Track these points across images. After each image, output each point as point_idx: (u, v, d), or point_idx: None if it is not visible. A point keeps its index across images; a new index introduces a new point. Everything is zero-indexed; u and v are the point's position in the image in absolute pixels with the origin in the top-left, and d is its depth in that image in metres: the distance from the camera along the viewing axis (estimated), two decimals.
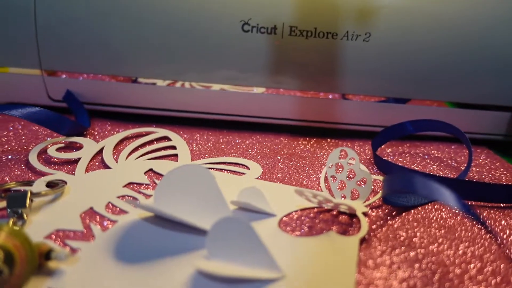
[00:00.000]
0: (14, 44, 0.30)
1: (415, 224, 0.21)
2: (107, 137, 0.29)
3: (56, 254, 0.16)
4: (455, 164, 0.28)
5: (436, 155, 0.30)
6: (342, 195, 0.22)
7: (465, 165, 0.28)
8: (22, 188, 0.22)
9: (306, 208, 0.21)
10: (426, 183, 0.16)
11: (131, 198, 0.22)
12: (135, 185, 0.23)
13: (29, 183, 0.22)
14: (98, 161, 0.26)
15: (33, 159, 0.25)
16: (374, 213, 0.21)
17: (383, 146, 0.30)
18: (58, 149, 0.26)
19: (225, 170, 0.25)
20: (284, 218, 0.20)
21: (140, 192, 0.22)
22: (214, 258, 0.17)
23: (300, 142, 0.30)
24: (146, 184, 0.23)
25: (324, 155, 0.29)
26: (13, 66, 0.31)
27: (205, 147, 0.29)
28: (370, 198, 0.23)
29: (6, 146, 0.27)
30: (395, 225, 0.20)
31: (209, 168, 0.25)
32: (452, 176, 0.26)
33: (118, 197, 0.22)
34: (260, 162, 0.27)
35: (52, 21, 0.29)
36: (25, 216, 0.19)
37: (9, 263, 0.14)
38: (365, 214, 0.21)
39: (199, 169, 0.20)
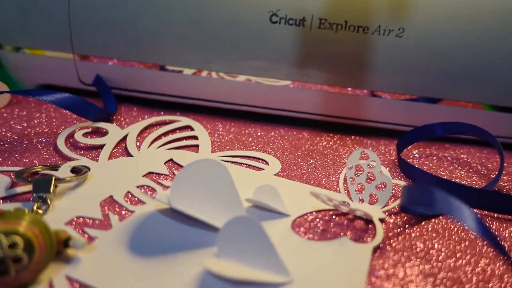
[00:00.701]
0: (49, 28, 0.31)
1: (434, 235, 0.20)
2: (132, 123, 0.29)
3: (74, 242, 0.17)
4: (485, 171, 0.27)
5: (465, 159, 0.28)
6: (360, 198, 0.22)
7: (496, 172, 0.27)
8: (48, 172, 0.23)
9: (321, 210, 0.21)
10: (447, 200, 0.15)
11: (150, 188, 0.22)
12: (155, 175, 0.24)
13: (55, 167, 0.23)
14: (121, 148, 0.26)
15: (60, 143, 0.26)
16: (391, 220, 0.21)
17: (409, 147, 0.29)
18: (84, 134, 0.27)
19: (244, 164, 0.25)
20: (298, 219, 0.20)
21: (158, 183, 0.23)
22: (223, 257, 0.17)
23: (323, 138, 0.30)
24: (165, 175, 0.24)
25: (346, 153, 0.28)
26: (48, 50, 0.32)
27: (227, 138, 0.29)
28: (390, 203, 0.22)
29: (38, 129, 0.28)
30: (413, 235, 0.20)
31: (228, 161, 0.25)
32: (480, 185, 0.25)
33: (138, 186, 0.22)
34: (280, 158, 0.27)
35: (85, 6, 0.30)
36: (48, 201, 0.20)
37: (29, 250, 0.14)
38: (382, 220, 0.21)
39: (216, 164, 0.20)
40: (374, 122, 0.31)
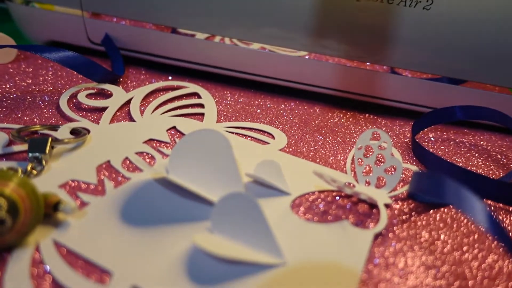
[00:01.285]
0: None
1: (441, 225, 0.19)
2: (138, 87, 0.29)
3: (64, 206, 0.16)
4: (505, 161, 0.25)
5: (484, 147, 0.27)
6: (367, 181, 0.21)
7: None
8: (47, 132, 0.22)
9: (324, 191, 0.20)
10: (458, 191, 0.14)
11: (149, 156, 0.22)
12: (156, 142, 0.23)
13: (55, 127, 0.22)
14: (124, 112, 0.26)
15: (63, 103, 0.25)
16: (397, 206, 0.20)
17: (425, 130, 0.28)
18: (88, 95, 0.26)
19: (249, 137, 0.24)
20: (299, 199, 0.19)
21: (159, 151, 0.22)
22: (216, 233, 0.16)
23: (335, 115, 0.28)
24: (166, 143, 0.23)
25: (358, 132, 0.27)
26: (57, 4, 0.31)
27: (234, 108, 0.28)
28: (398, 188, 0.21)
29: (43, 86, 0.28)
30: (418, 223, 0.19)
31: (233, 133, 0.24)
32: (497, 175, 0.24)
33: (137, 153, 0.21)
34: (288, 132, 0.25)
35: None
36: (44, 162, 0.19)
37: (13, 213, 0.14)
38: (387, 206, 0.20)
39: (217, 136, 0.20)
40: (391, 101, 0.29)
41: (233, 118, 0.26)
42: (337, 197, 0.20)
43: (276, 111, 0.28)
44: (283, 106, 0.29)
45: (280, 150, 0.24)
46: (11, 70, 0.29)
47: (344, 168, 0.22)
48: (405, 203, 0.20)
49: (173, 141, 0.23)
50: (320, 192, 0.20)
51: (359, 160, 0.22)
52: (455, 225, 0.19)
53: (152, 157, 0.21)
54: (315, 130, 0.26)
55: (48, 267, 0.14)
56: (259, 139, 0.24)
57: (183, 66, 0.31)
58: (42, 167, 0.19)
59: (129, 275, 0.14)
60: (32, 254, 0.15)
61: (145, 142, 0.23)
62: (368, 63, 0.28)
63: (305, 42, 0.29)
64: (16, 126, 0.22)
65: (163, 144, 0.23)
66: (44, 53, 0.25)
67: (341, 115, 0.29)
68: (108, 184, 0.19)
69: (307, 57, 0.30)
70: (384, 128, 0.27)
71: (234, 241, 0.16)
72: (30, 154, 0.19)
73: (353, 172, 0.22)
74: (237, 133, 0.25)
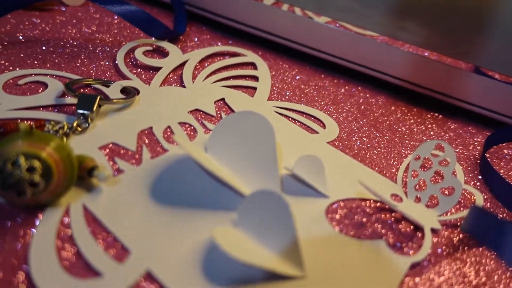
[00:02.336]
0: None
1: (493, 266, 0.17)
2: (197, 48, 0.28)
3: (98, 173, 0.16)
4: None
5: None
6: (417, 196, 0.19)
7: None
8: (99, 87, 0.22)
9: (366, 199, 0.18)
10: None
11: (191, 128, 0.21)
12: (201, 113, 0.22)
13: (107, 83, 0.22)
14: (177, 75, 0.25)
15: (120, 57, 0.25)
16: (446, 233, 0.18)
17: (502, 145, 0.24)
18: (145, 52, 0.26)
19: (298, 121, 0.23)
20: (336, 204, 0.18)
21: (202, 124, 0.21)
22: (240, 228, 0.16)
23: (398, 109, 0.26)
24: (211, 116, 0.22)
25: (420, 133, 0.24)
26: None
27: (290, 85, 0.26)
28: (451, 213, 0.19)
29: (106, 36, 0.28)
30: (467, 260, 0.17)
31: (282, 114, 0.23)
32: None
33: (180, 123, 0.21)
34: (341, 123, 0.23)
35: None
36: (89, 120, 0.19)
37: (46, 177, 0.14)
38: (434, 231, 0.17)
39: (262, 121, 0.18)
40: (468, 103, 0.25)
41: (287, 97, 0.25)
42: (379, 210, 0.18)
43: (334, 95, 0.26)
44: (343, 90, 0.27)
45: (328, 142, 0.22)
46: (80, 14, 0.30)
47: (395, 176, 0.20)
48: (455, 232, 0.18)
49: (219, 116, 0.22)
50: (362, 200, 0.18)
51: (414, 171, 0.19)
52: (509, 272, 0.16)
53: (194, 130, 0.21)
54: (373, 124, 0.24)
55: (72, 232, 0.15)
56: (308, 126, 0.23)
57: (246, 30, 0.29)
58: (87, 125, 0.19)
59: (146, 258, 0.14)
60: (62, 216, 0.15)
61: (191, 112, 0.22)
62: (449, 58, 0.25)
63: (382, 20, 0.26)
64: (73, 76, 0.23)
65: (208, 117, 0.22)
66: (107, 5, 0.25)
67: (406, 111, 0.26)
68: (146, 153, 0.19)
69: (380, 39, 0.27)
70: (452, 134, 0.24)
71: (256, 242, 0.15)
72: (78, 110, 0.19)
73: (403, 183, 0.20)
74: (286, 116, 0.23)
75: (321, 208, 0.18)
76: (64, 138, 0.18)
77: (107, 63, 0.25)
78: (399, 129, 0.24)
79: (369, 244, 0.16)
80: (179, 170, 0.18)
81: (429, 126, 0.25)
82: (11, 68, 0.23)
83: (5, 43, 0.25)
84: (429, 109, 0.26)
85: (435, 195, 0.18)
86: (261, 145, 0.18)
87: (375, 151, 0.22)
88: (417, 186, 0.19)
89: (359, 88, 0.27)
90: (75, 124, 0.19)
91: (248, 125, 0.19)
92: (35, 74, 0.22)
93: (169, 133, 0.20)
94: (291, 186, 0.18)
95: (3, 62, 0.23)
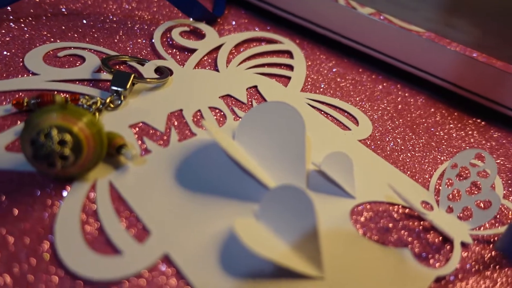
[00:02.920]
0: None
1: None
2: (234, 32, 0.27)
3: (126, 151, 0.16)
4: None
5: None
6: (450, 206, 0.18)
7: None
8: (135, 64, 0.22)
9: (395, 204, 0.18)
10: None
11: (221, 114, 0.21)
12: (233, 99, 0.22)
13: (142, 61, 0.22)
14: (211, 58, 0.25)
15: (157, 36, 0.25)
16: (477, 249, 0.17)
17: None
18: (182, 33, 0.26)
19: (331, 116, 0.22)
20: (363, 206, 0.17)
21: (232, 110, 0.21)
22: (261, 221, 0.15)
23: (438, 112, 0.24)
24: (242, 103, 0.22)
25: (460, 139, 0.23)
26: None
27: (325, 77, 0.25)
28: (485, 227, 0.18)
29: (145, 13, 0.28)
30: (498, 279, 0.16)
31: (314, 107, 0.22)
32: None
33: (210, 107, 0.21)
34: (376, 121, 0.23)
35: None
36: (122, 98, 0.20)
37: (76, 151, 0.14)
38: (465, 245, 0.17)
39: (294, 113, 0.18)
40: None
41: (321, 89, 0.24)
42: (407, 216, 0.17)
43: (371, 91, 0.25)
44: (380, 87, 0.26)
45: (360, 140, 0.21)
46: None
47: (428, 183, 0.19)
48: (488, 248, 0.17)
49: (250, 103, 0.22)
50: (390, 204, 0.18)
51: (449, 180, 0.18)
52: None
53: (224, 116, 0.21)
54: (409, 125, 0.23)
55: (97, 207, 0.15)
56: (340, 122, 0.22)
57: (285, 17, 0.29)
58: (120, 102, 0.19)
59: (165, 241, 0.14)
60: (88, 190, 0.16)
61: (222, 97, 0.22)
62: (499, 62, 0.23)
63: (430, 15, 0.25)
64: (110, 52, 0.23)
65: (238, 103, 0.22)
66: None
67: (446, 114, 0.24)
68: (174, 135, 0.19)
69: (426, 35, 0.26)
70: (494, 143, 0.23)
71: (276, 237, 0.15)
72: (112, 87, 0.20)
73: (436, 190, 0.19)
74: (318, 109, 0.22)
75: (346, 208, 0.17)
76: (97, 114, 0.18)
77: (144, 41, 0.25)
78: (437, 133, 0.23)
79: (393, 251, 0.16)
80: (205, 155, 0.18)
81: (470, 132, 0.23)
82: (52, 39, 0.23)
83: (49, 15, 0.25)
84: (471, 114, 0.25)
85: (469, 207, 0.17)
86: (290, 137, 0.18)
87: (409, 154, 0.21)
88: (451, 195, 0.18)
89: (398, 86, 0.26)
90: (108, 100, 0.19)
91: (279, 116, 0.18)
92: (74, 48, 0.23)
93: (198, 117, 0.20)
94: (317, 182, 0.18)
95: (45, 33, 0.23)
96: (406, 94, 0.25)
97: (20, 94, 0.19)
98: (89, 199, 0.15)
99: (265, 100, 0.22)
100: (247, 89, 0.23)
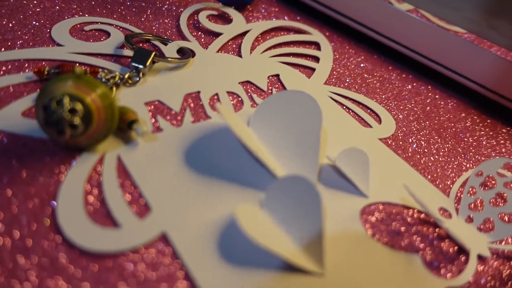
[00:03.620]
0: None
1: None
2: (262, 20, 0.27)
3: (137, 126, 0.16)
4: None
5: None
6: (470, 216, 0.17)
7: None
8: (158, 44, 0.22)
9: (410, 207, 0.17)
10: None
11: (239, 99, 0.20)
12: (252, 86, 0.21)
13: (165, 41, 0.22)
14: (236, 44, 0.24)
15: (183, 18, 0.25)
16: (495, 264, 0.15)
17: None
18: (209, 16, 0.25)
19: (353, 112, 0.21)
20: (374, 206, 0.17)
21: (250, 97, 0.21)
22: (265, 210, 0.15)
23: (469, 117, 0.23)
24: (262, 90, 0.21)
25: (490, 148, 0.21)
26: None
27: (352, 72, 0.24)
28: (507, 242, 0.16)
29: None
30: None
31: (337, 101, 0.21)
32: None
33: (228, 92, 0.20)
34: (400, 121, 0.21)
35: None
36: (141, 75, 0.19)
37: (86, 121, 0.14)
38: (481, 258, 0.15)
39: (312, 104, 0.17)
40: None
41: (346, 83, 0.23)
42: (421, 222, 0.16)
43: (398, 90, 0.24)
44: (409, 86, 0.24)
45: (381, 139, 0.20)
46: None
47: (449, 190, 0.18)
48: (507, 264, 0.16)
49: (269, 91, 0.21)
50: (404, 207, 0.17)
51: (472, 188, 0.17)
52: None
53: (241, 102, 0.20)
54: (436, 128, 0.22)
55: (102, 179, 0.15)
56: (362, 118, 0.21)
57: (315, 7, 0.28)
58: (138, 79, 0.19)
59: (166, 220, 0.14)
60: (96, 162, 0.16)
61: (242, 83, 0.21)
62: None
63: (471, 15, 0.23)
64: (135, 30, 0.23)
65: (258, 91, 0.21)
66: None
67: (477, 121, 0.23)
68: (188, 116, 0.19)
69: (465, 36, 0.24)
70: None
71: (279, 228, 0.14)
72: (132, 63, 0.19)
73: (456, 199, 0.18)
74: (340, 103, 0.22)
75: (356, 207, 0.16)
76: (114, 88, 0.18)
77: (170, 21, 0.25)
78: (466, 139, 0.21)
79: (402, 256, 0.15)
80: (217, 139, 0.18)
81: (502, 142, 0.22)
82: (80, 13, 0.23)
83: None
84: (505, 123, 0.23)
85: (491, 219, 0.16)
86: (306, 128, 0.17)
87: (432, 157, 0.20)
88: (472, 205, 0.17)
89: (429, 87, 0.25)
90: (126, 76, 0.19)
91: (297, 105, 0.18)
92: (101, 23, 0.23)
93: (215, 100, 0.20)
94: (330, 177, 0.17)
95: (75, 7, 0.24)
96: (437, 96, 0.24)
97: (43, 63, 0.19)
98: (96, 170, 0.15)
99: (285, 89, 0.22)
100: (268, 77, 0.22)
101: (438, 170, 0.19)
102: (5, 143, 0.15)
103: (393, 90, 0.24)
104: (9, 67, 0.19)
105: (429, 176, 0.19)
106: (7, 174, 0.14)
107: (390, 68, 0.25)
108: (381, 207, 0.17)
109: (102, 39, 0.22)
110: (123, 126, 0.16)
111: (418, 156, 0.20)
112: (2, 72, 0.18)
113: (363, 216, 0.16)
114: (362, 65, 0.25)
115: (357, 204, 0.16)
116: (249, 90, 0.21)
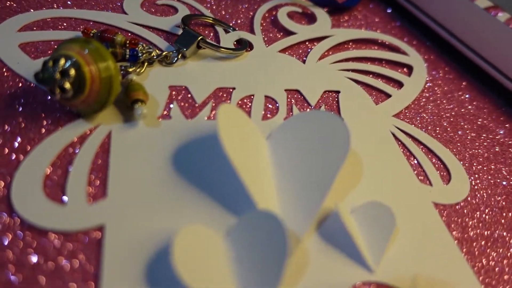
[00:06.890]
0: None
1: None
2: (352, 28, 0.23)
3: (137, 106, 0.15)
4: None
5: None
6: None
7: None
8: (218, 28, 0.21)
9: None
10: None
11: (275, 106, 0.17)
12: (300, 97, 0.18)
13: (228, 28, 0.21)
14: (306, 47, 0.21)
15: (261, 10, 0.23)
16: None
17: None
18: (290, 13, 0.23)
19: (414, 158, 0.16)
20: (372, 286, 0.12)
21: (290, 108, 0.17)
22: (230, 243, 0.12)
23: None
24: (308, 104, 0.18)
25: None
26: None
27: (442, 109, 0.19)
28: None
29: None
30: None
31: (398, 140, 0.17)
32: None
33: (267, 96, 0.18)
34: (479, 191, 0.16)
35: None
36: (179, 56, 0.18)
37: (78, 88, 0.14)
38: None
39: (344, 139, 0.14)
40: None
41: (425, 121, 0.18)
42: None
43: (502, 150, 0.18)
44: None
45: (437, 204, 0.15)
46: None
47: None
48: None
49: (318, 108, 0.18)
50: None
51: None
52: None
53: (276, 110, 0.17)
54: (491, 145, 0.15)
55: (78, 151, 0.14)
56: (423, 170, 0.16)
57: (422, 20, 0.23)
58: (175, 60, 0.18)
59: (112, 214, 0.12)
60: (85, 131, 0.15)
61: (289, 90, 0.18)
62: None
63: None
64: (205, 11, 0.22)
65: (304, 103, 0.18)
66: None
67: None
68: (206, 111, 0.16)
69: None
70: None
71: (232, 271, 0.11)
72: (175, 43, 0.18)
73: None
74: (403, 144, 0.17)
75: (349, 280, 0.12)
76: (145, 63, 0.17)
77: (247, 11, 0.23)
78: None
79: None
80: (218, 145, 0.15)
81: None
82: None
83: None
84: None
85: None
86: (326, 162, 0.13)
87: (497, 257, 0.14)
88: None
89: None
90: (163, 54, 0.18)
91: (326, 133, 0.14)
92: (178, 0, 0.22)
93: (246, 102, 0.17)
94: (336, 230, 0.13)
95: None
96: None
97: (101, 27, 0.20)
98: (81, 138, 0.14)
99: (338, 110, 0.18)
100: (325, 92, 0.19)
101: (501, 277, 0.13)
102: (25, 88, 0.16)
103: (493, 146, 0.18)
104: (65, 24, 0.19)
105: (480, 278, 0.13)
106: (9, 118, 0.14)
107: (502, 119, 0.19)
108: None
109: (169, 15, 0.21)
110: (128, 103, 0.15)
111: (478, 245, 0.14)
112: (62, 27, 0.19)
113: None
114: (467, 95, 0.19)
115: (352, 278, 0.12)
116: (292, 100, 0.18)
